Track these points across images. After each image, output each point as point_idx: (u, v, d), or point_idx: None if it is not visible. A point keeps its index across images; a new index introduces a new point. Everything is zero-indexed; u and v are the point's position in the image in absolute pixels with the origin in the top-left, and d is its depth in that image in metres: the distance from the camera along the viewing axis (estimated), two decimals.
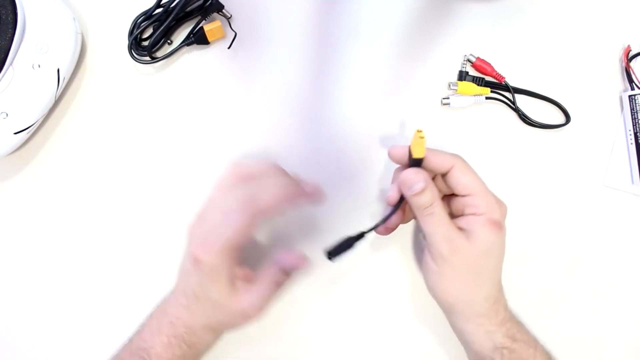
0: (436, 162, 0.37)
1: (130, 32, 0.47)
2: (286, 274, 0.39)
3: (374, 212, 0.46)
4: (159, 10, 0.47)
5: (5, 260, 0.47)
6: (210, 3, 0.47)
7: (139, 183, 0.47)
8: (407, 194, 0.37)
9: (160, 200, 0.47)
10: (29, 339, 0.46)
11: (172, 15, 0.46)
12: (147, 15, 0.47)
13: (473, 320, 0.37)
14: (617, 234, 0.46)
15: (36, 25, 0.44)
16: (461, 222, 0.37)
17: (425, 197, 0.36)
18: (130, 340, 0.39)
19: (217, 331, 0.40)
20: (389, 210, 0.39)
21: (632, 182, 0.46)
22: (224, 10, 0.48)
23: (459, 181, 0.37)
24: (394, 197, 0.39)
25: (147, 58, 0.47)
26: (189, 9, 0.47)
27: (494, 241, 0.36)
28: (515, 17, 0.49)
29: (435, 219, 0.36)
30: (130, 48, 0.47)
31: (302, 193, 0.39)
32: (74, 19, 0.46)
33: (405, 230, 0.46)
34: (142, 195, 0.47)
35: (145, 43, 0.47)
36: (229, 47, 0.48)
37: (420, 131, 0.36)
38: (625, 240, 0.46)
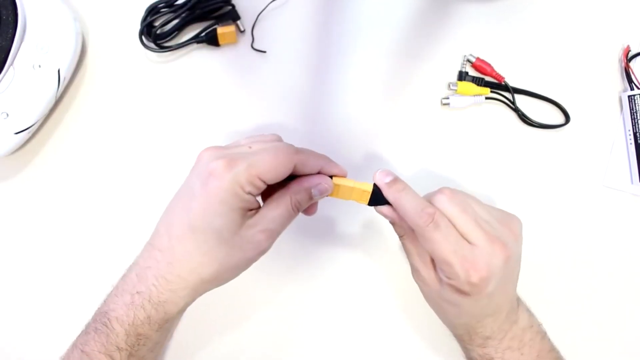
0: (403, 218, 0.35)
1: (144, 19, 0.47)
2: (311, 199, 0.35)
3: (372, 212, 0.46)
4: (179, 2, 0.47)
5: (5, 260, 0.47)
6: (229, 11, 0.47)
7: (140, 183, 0.47)
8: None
9: (158, 199, 0.47)
10: (29, 338, 0.46)
11: (195, 13, 0.47)
12: (169, 3, 0.47)
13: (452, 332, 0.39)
14: (616, 234, 0.46)
15: (37, 26, 0.44)
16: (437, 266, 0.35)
17: (396, 229, 0.37)
18: (99, 306, 0.35)
19: (197, 285, 0.33)
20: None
21: (632, 182, 0.47)
22: (238, 22, 0.48)
23: (427, 248, 0.34)
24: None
25: (156, 47, 0.48)
26: (208, 9, 0.47)
27: (462, 302, 0.34)
28: (515, 17, 0.49)
29: (405, 250, 0.37)
30: (141, 34, 0.47)
31: (335, 167, 0.36)
32: (75, 19, 0.46)
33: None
34: (142, 194, 0.47)
35: (157, 32, 0.48)
36: (243, 31, 0.49)
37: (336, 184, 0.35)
38: (625, 240, 0.46)
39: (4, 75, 0.43)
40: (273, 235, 0.34)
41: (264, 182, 0.32)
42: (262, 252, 0.34)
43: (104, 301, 0.35)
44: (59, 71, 0.45)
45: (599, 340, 0.45)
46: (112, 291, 0.35)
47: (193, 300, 0.34)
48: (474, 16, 0.49)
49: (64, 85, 0.46)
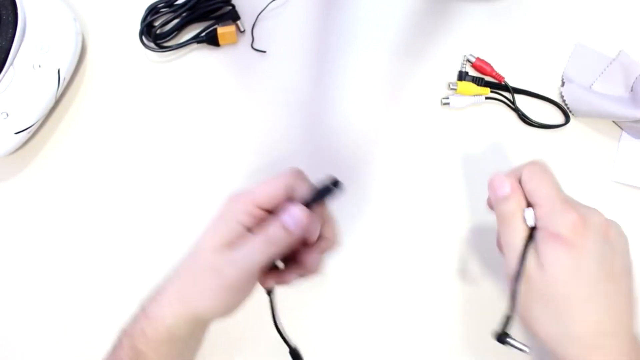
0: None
1: (144, 19, 0.47)
2: (286, 231, 0.32)
3: (372, 212, 0.46)
4: (179, 2, 0.47)
5: (5, 260, 0.47)
6: (229, 11, 0.47)
7: (140, 183, 0.47)
8: (492, 198, 0.34)
9: (158, 199, 0.47)
10: (28, 338, 0.46)
11: (195, 13, 0.47)
12: (169, 3, 0.47)
13: None
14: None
15: (37, 26, 0.44)
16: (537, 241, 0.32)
17: (508, 206, 0.33)
18: None
19: (180, 303, 0.33)
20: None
21: None
22: (238, 22, 0.48)
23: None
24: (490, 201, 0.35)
25: (156, 47, 0.48)
26: (208, 9, 0.47)
27: (565, 264, 0.30)
28: (515, 17, 0.49)
29: (512, 233, 0.32)
30: (141, 34, 0.47)
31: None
32: (75, 19, 0.46)
33: (400, 232, 0.46)
34: (142, 194, 0.47)
35: (157, 32, 0.48)
36: (243, 31, 0.49)
37: None
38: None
39: (4, 75, 0.43)
40: (238, 266, 0.32)
41: (260, 207, 0.33)
42: (226, 279, 0.32)
43: None
44: (58, 71, 0.45)
45: None
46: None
47: (184, 326, 0.33)
48: (474, 16, 0.49)
49: (64, 85, 0.46)
